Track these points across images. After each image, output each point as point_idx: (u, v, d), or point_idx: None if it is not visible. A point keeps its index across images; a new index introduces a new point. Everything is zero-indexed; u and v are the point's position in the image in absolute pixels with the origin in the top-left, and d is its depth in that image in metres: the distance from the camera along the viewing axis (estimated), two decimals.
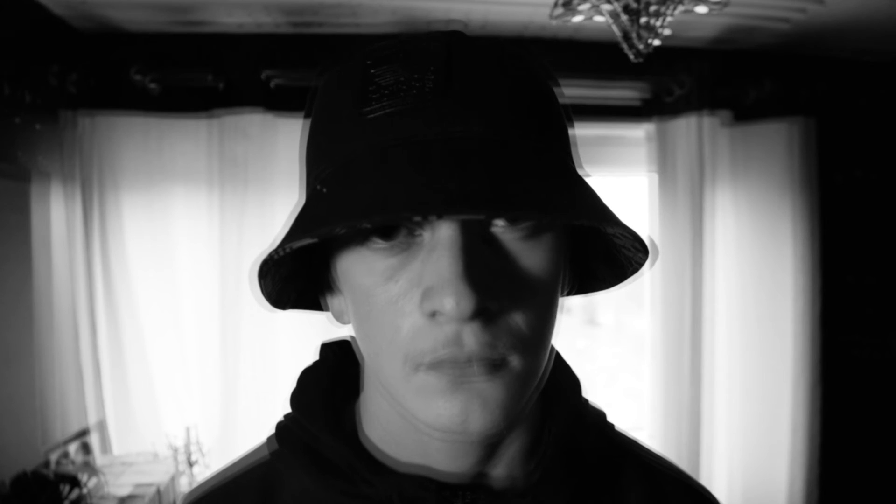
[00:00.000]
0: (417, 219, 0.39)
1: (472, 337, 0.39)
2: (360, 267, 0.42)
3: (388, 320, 0.41)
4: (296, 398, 0.52)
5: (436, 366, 0.40)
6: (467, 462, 0.47)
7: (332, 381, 0.53)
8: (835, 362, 2.61)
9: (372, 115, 0.40)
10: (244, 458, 0.54)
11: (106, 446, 2.04)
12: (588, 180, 0.43)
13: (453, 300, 0.37)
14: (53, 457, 1.83)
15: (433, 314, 0.39)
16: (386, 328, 0.41)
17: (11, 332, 1.66)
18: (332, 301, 0.49)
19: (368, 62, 0.42)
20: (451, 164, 0.37)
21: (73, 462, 1.89)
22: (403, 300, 0.41)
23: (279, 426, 0.52)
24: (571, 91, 2.30)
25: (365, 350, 0.45)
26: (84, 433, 2.01)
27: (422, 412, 0.41)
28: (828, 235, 2.58)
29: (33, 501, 1.39)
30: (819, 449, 2.53)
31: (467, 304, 0.37)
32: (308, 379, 0.54)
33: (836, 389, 2.61)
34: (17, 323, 1.69)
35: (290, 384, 0.54)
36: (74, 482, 1.49)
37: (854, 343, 2.61)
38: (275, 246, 0.39)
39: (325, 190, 0.40)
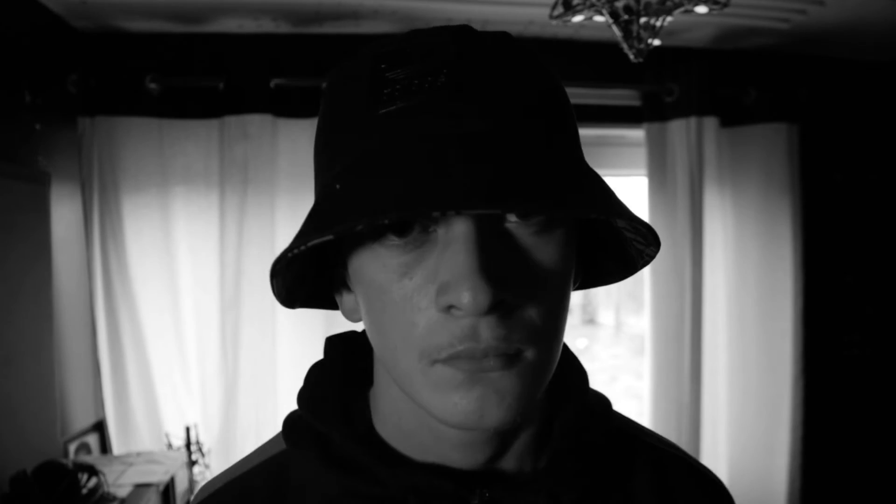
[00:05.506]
0: (436, 214, 0.39)
1: (488, 331, 0.39)
2: (374, 263, 0.42)
3: (403, 316, 0.41)
4: (305, 395, 0.52)
5: (452, 360, 0.40)
6: (480, 455, 0.47)
7: (342, 376, 0.53)
8: (834, 362, 2.61)
9: (384, 112, 0.41)
10: (256, 453, 0.55)
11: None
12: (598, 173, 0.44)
13: (470, 295, 0.37)
14: (72, 447, 1.86)
15: (449, 309, 0.39)
16: (401, 324, 0.41)
17: (33, 326, 1.70)
18: (344, 298, 0.50)
19: (378, 59, 0.43)
20: (468, 160, 0.38)
21: (90, 452, 1.93)
22: (418, 296, 0.41)
23: (288, 423, 0.52)
24: (571, 91, 2.31)
25: (378, 346, 0.45)
26: (101, 424, 2.04)
27: (438, 407, 0.41)
28: (828, 235, 2.58)
29: (54, 489, 1.41)
30: (820, 448, 2.54)
31: (484, 298, 0.37)
32: (317, 375, 0.54)
33: (837, 389, 2.62)
34: (39, 318, 1.73)
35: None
36: (92, 471, 1.51)
37: (854, 343, 2.62)
38: (290, 244, 0.39)
39: (339, 186, 0.40)
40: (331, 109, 0.46)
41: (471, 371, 0.40)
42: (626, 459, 0.54)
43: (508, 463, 0.49)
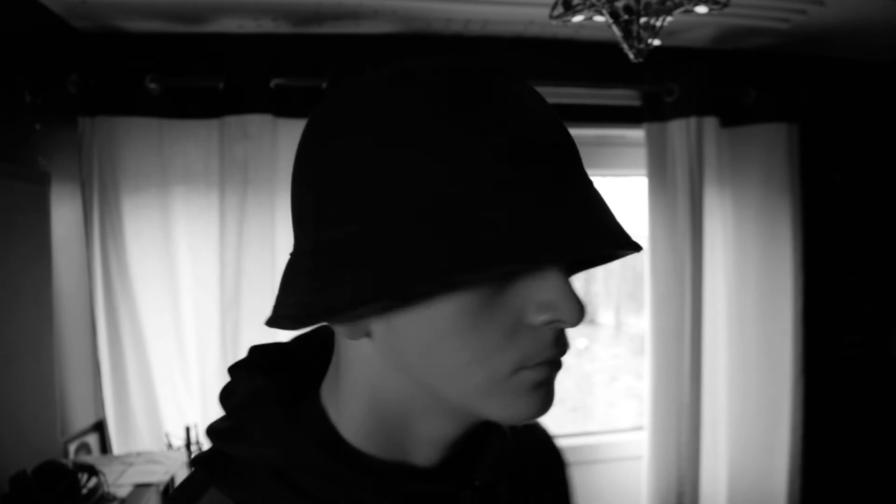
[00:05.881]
0: None
1: (564, 339, 0.47)
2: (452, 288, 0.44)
3: (493, 335, 0.44)
4: (256, 430, 0.48)
5: (538, 366, 0.45)
6: (450, 450, 0.52)
7: (287, 399, 0.51)
8: (834, 362, 2.61)
9: (495, 142, 0.41)
10: None
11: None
12: None
13: (575, 312, 0.44)
14: (72, 447, 1.86)
15: (549, 323, 0.44)
16: (486, 340, 0.44)
17: (33, 326, 1.70)
18: (353, 321, 0.47)
19: (454, 84, 0.43)
20: (595, 208, 0.43)
21: (90, 452, 1.94)
22: (513, 314, 0.44)
23: (220, 470, 0.48)
24: (571, 91, 2.31)
25: (423, 369, 0.46)
26: (101, 424, 2.05)
27: (508, 408, 0.46)
28: (828, 235, 2.58)
29: (53, 489, 1.42)
30: (820, 448, 2.54)
31: (582, 314, 0.44)
32: (269, 405, 0.50)
33: (837, 389, 2.62)
34: (39, 318, 1.73)
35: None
36: (92, 471, 1.51)
37: (854, 343, 2.62)
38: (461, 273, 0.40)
39: (492, 214, 0.40)
40: (409, 124, 0.42)
41: (547, 374, 0.46)
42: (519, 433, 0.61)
43: (461, 451, 0.53)
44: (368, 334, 0.47)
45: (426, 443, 0.50)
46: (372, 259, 0.41)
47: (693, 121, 2.30)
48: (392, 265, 0.40)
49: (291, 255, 0.49)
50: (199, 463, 0.49)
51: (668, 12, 1.42)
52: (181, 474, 1.81)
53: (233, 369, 0.53)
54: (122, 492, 1.56)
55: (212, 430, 0.50)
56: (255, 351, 0.55)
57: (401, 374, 0.47)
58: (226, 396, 0.52)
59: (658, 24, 1.43)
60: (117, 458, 1.84)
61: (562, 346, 0.46)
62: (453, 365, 0.45)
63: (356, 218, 0.42)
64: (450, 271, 0.39)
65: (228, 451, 0.48)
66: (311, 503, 0.46)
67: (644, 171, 2.38)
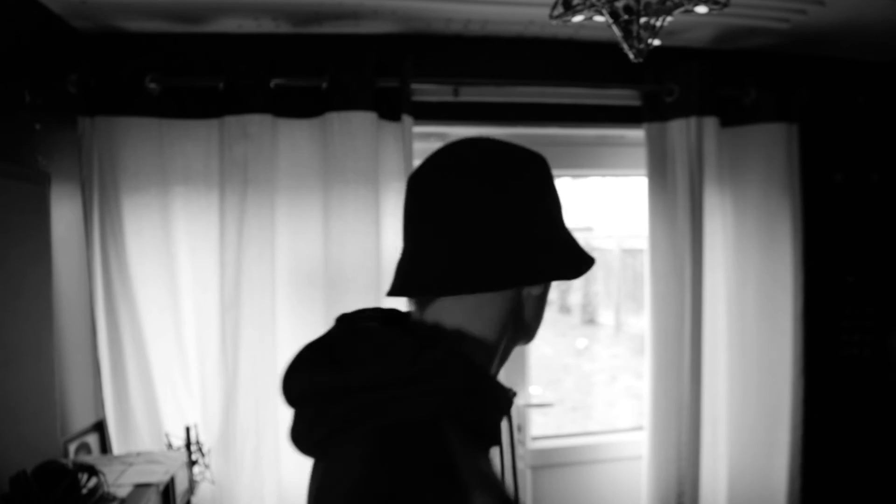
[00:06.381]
0: None
1: None
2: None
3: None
4: (475, 367, 0.71)
5: None
6: None
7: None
8: (834, 361, 2.61)
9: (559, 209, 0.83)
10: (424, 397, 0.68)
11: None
12: None
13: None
14: (72, 447, 1.86)
15: None
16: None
17: (33, 326, 1.70)
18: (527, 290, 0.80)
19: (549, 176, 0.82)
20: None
21: (90, 452, 1.93)
22: None
23: (477, 375, 0.71)
24: (571, 91, 2.31)
25: (530, 320, 0.82)
26: (101, 424, 2.04)
27: (536, 336, 0.86)
28: (829, 235, 2.58)
29: (53, 489, 1.42)
30: (820, 448, 2.54)
31: None
32: (455, 353, 0.71)
33: (837, 388, 2.62)
34: (39, 318, 1.73)
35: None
36: (92, 471, 1.51)
37: (854, 343, 2.62)
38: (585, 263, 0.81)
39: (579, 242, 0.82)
40: (552, 192, 0.82)
41: None
42: None
43: None
44: (530, 294, 0.79)
45: (502, 366, 0.81)
46: (567, 256, 0.80)
47: (693, 121, 2.30)
48: (576, 258, 0.80)
49: (452, 241, 0.75)
50: (439, 402, 0.67)
51: (668, 12, 1.42)
52: (181, 474, 1.81)
53: (393, 336, 0.73)
54: (122, 492, 1.56)
55: (410, 378, 0.67)
56: (396, 329, 0.77)
57: (529, 320, 0.81)
58: (404, 355, 0.69)
59: (658, 24, 1.43)
60: (117, 458, 1.84)
61: None
62: (544, 311, 0.84)
63: (553, 236, 0.80)
64: (587, 265, 0.80)
65: (435, 387, 0.67)
66: (488, 409, 0.72)
67: (644, 171, 2.38)
